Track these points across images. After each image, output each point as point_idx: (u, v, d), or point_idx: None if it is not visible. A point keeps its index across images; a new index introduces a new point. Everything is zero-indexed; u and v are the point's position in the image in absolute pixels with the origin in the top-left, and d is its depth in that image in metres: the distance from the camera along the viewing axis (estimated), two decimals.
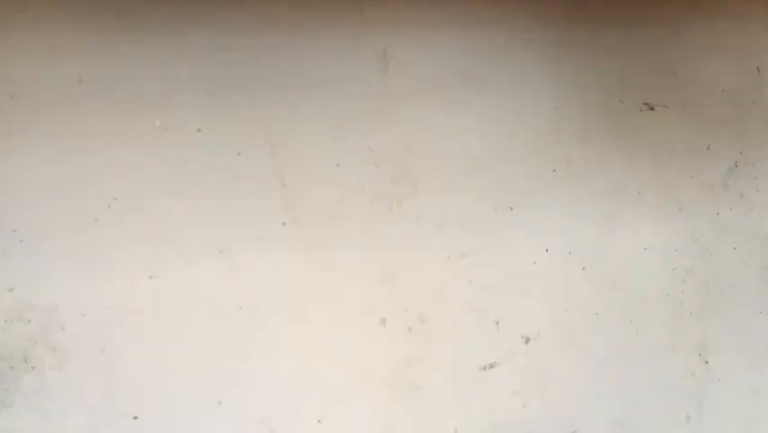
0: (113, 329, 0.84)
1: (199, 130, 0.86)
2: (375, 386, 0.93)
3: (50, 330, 0.82)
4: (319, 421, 0.91)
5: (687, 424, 1.03)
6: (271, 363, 0.89)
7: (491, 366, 0.96)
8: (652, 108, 1.03)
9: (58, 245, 0.82)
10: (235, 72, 0.88)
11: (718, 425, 1.04)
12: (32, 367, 0.81)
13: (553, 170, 0.99)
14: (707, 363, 1.04)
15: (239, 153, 0.87)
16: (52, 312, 0.82)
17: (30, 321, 0.81)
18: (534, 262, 0.98)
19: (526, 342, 0.98)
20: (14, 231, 0.80)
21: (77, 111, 0.83)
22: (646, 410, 1.02)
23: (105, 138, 0.84)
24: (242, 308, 0.87)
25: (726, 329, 1.04)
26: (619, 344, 1.01)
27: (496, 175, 0.97)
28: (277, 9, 0.90)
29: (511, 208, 0.97)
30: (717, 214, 1.04)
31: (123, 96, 0.85)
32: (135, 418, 0.84)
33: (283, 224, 0.89)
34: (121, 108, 0.84)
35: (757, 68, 1.07)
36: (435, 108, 0.95)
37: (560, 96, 0.99)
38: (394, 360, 0.93)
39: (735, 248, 1.04)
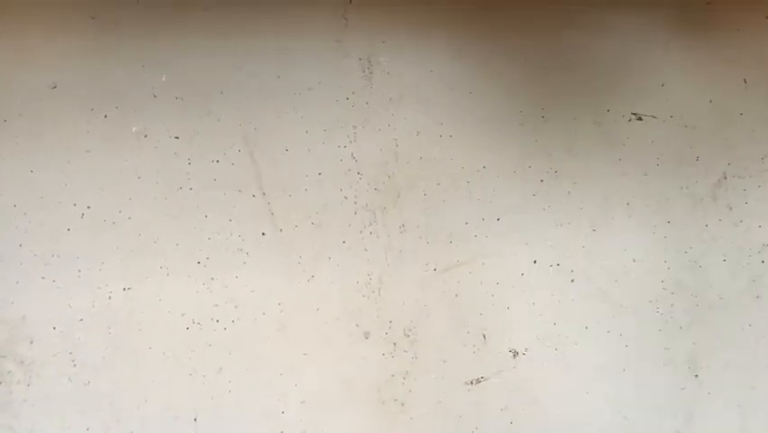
0: (84, 343, 0.80)
1: (177, 137, 0.84)
2: (359, 402, 0.90)
3: (18, 343, 0.79)
4: None
5: None
6: (251, 378, 0.86)
7: (478, 381, 0.94)
8: (640, 118, 1.02)
9: (28, 255, 0.79)
10: (215, 78, 0.86)
11: None
12: None
13: (541, 180, 0.97)
14: (696, 376, 1.02)
15: (217, 161, 0.85)
16: (21, 324, 0.79)
17: None
18: (522, 274, 0.96)
19: (514, 356, 0.95)
20: None
21: (50, 118, 0.80)
22: (636, 425, 1.00)
23: (79, 145, 0.81)
24: (219, 320, 0.85)
25: (715, 342, 1.02)
26: (609, 358, 0.99)
27: (482, 185, 0.95)
28: (258, 15, 0.88)
29: (498, 219, 0.95)
30: (706, 226, 1.03)
31: (98, 102, 0.82)
32: None
33: (263, 234, 0.86)
34: (96, 115, 0.82)
35: (744, 79, 1.06)
36: (421, 116, 0.93)
37: (548, 105, 0.98)
38: (378, 375, 0.90)
39: (724, 260, 1.03)
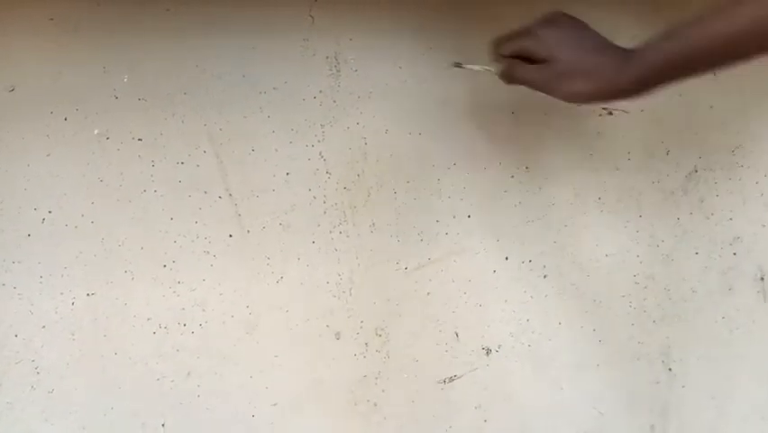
0: (48, 350, 0.79)
1: (140, 139, 0.83)
2: (331, 403, 0.89)
3: None
4: None
5: None
6: (220, 382, 0.85)
7: (451, 380, 0.94)
8: (611, 113, 1.02)
9: None
10: (178, 79, 0.84)
11: None
12: None
13: (512, 177, 0.97)
14: (670, 370, 1.02)
15: (182, 163, 0.84)
16: None
17: None
18: (494, 271, 0.96)
19: (487, 353, 0.95)
20: None
21: (8, 121, 0.79)
22: (611, 421, 1.00)
23: (38, 148, 0.80)
24: (187, 324, 0.83)
25: (689, 335, 1.03)
26: (582, 353, 0.99)
27: (453, 182, 0.94)
28: (222, 14, 0.87)
29: (469, 216, 0.95)
30: (678, 219, 1.03)
31: (58, 104, 0.81)
32: None
33: (230, 236, 0.85)
34: (56, 118, 0.80)
35: (713, 72, 1.07)
36: (390, 114, 0.92)
37: (518, 100, 0.97)
38: (350, 376, 0.90)
39: (696, 253, 1.03)
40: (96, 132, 0.81)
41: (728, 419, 1.04)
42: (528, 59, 0.75)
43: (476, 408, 0.94)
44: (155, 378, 0.82)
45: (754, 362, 1.05)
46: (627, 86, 0.69)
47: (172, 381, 0.83)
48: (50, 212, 0.80)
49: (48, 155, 0.80)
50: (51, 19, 0.80)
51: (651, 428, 1.02)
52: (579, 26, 0.76)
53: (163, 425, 0.83)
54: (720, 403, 1.04)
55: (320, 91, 0.90)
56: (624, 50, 0.72)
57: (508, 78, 0.79)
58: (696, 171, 1.05)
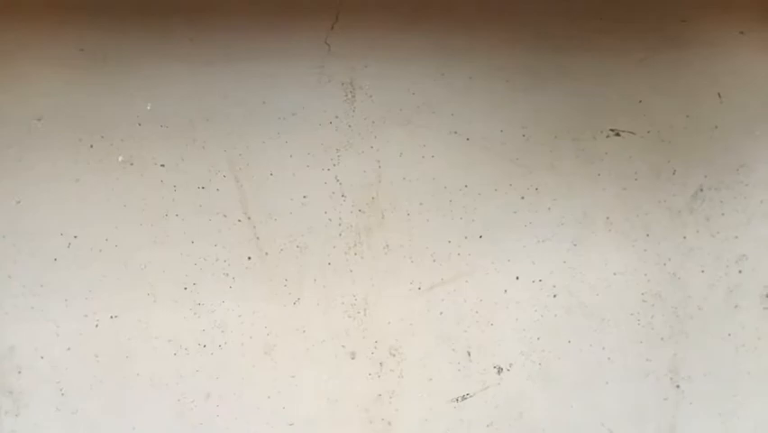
0: (72, 371, 0.81)
1: (163, 165, 0.85)
2: (346, 422, 0.91)
3: (6, 374, 0.79)
4: None
5: None
6: (238, 403, 0.87)
7: (464, 398, 0.95)
8: (618, 134, 1.04)
9: (15, 286, 0.80)
10: (200, 106, 0.87)
11: None
12: None
13: (522, 198, 0.99)
14: (678, 387, 1.04)
15: (203, 187, 0.86)
16: (9, 355, 0.79)
17: None
18: (505, 291, 0.98)
19: (499, 372, 0.97)
20: None
21: (36, 148, 0.81)
22: None
23: (65, 175, 0.82)
24: (207, 345, 0.85)
25: (696, 353, 1.04)
26: (592, 370, 1.01)
27: (465, 204, 0.96)
28: (243, 43, 0.89)
29: (481, 237, 0.97)
30: (684, 238, 1.05)
31: (84, 131, 0.83)
32: None
33: (249, 258, 0.87)
34: (83, 145, 0.83)
35: (719, 93, 1.09)
36: (403, 137, 0.94)
37: (528, 123, 0.99)
38: (364, 395, 0.92)
39: (702, 271, 1.05)
40: (120, 158, 0.84)
41: None
42: None
43: (488, 426, 0.96)
44: (176, 399, 0.84)
45: (760, 378, 1.07)
46: None
47: (192, 401, 0.85)
48: (75, 237, 0.82)
49: (74, 181, 0.82)
50: (81, 50, 0.82)
51: None
52: None
53: None
54: (727, 419, 1.05)
55: (336, 116, 0.92)
56: None
57: None
58: (702, 191, 1.07)
